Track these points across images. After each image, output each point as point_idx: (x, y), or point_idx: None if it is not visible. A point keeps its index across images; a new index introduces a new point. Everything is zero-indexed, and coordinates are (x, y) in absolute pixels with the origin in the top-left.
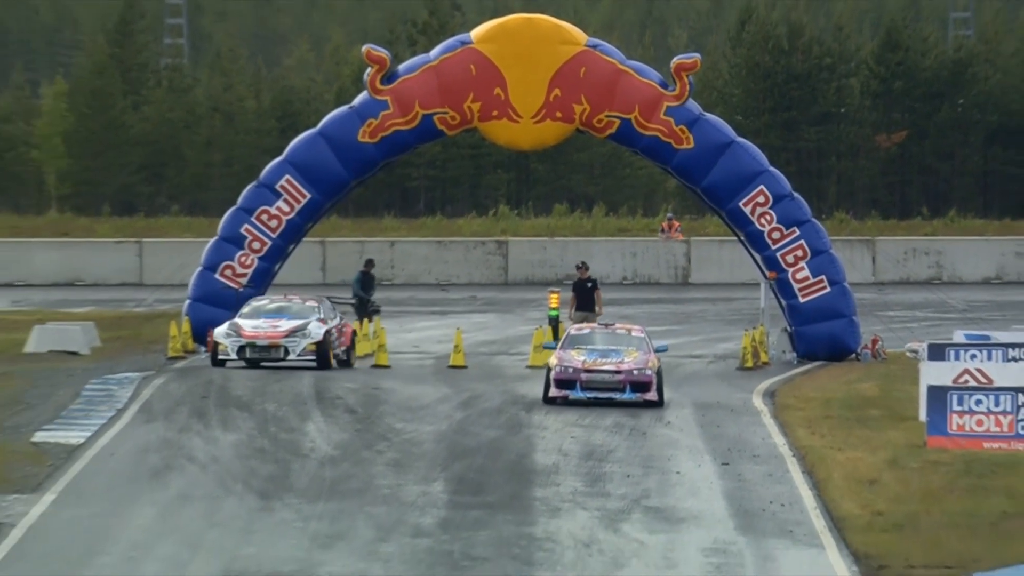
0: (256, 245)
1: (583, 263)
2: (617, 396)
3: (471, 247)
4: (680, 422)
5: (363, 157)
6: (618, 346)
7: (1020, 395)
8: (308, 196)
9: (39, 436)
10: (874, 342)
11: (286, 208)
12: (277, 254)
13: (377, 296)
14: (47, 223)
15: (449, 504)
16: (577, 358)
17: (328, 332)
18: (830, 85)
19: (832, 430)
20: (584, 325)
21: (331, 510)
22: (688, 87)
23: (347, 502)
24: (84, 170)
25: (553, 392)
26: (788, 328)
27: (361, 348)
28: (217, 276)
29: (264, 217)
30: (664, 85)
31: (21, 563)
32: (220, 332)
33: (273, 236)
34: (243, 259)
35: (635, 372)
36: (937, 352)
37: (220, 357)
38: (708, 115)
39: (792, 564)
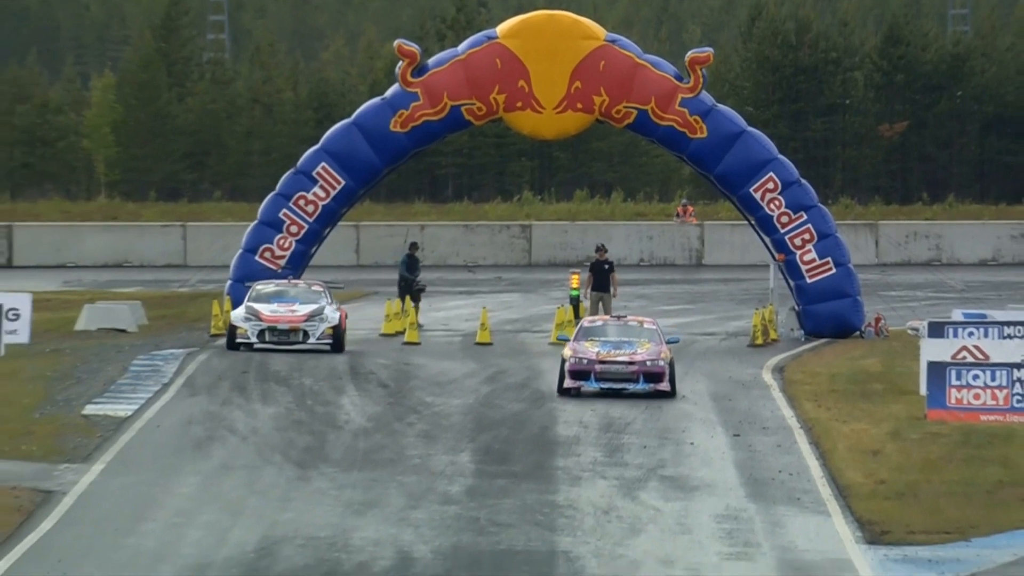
0: (294, 229)
1: (602, 246)
2: (630, 387)
3: (497, 231)
4: (694, 396)
5: (395, 146)
6: (631, 338)
7: (1015, 370)
8: (343, 183)
9: (89, 409)
10: (877, 320)
11: (322, 194)
12: (313, 237)
13: (432, 280)
14: (97, 208)
15: (476, 473)
16: (591, 350)
17: (341, 316)
18: (835, 78)
19: (837, 403)
20: (597, 317)
21: (364, 479)
22: (702, 80)
23: (379, 471)
24: (131, 158)
25: (568, 383)
26: (796, 307)
27: (392, 326)
28: (257, 258)
29: (301, 202)
30: (679, 78)
31: (72, 529)
32: (238, 316)
33: (310, 220)
34: (281, 242)
35: (648, 363)
36: (937, 330)
37: (239, 340)
38: (720, 106)
39: (800, 530)
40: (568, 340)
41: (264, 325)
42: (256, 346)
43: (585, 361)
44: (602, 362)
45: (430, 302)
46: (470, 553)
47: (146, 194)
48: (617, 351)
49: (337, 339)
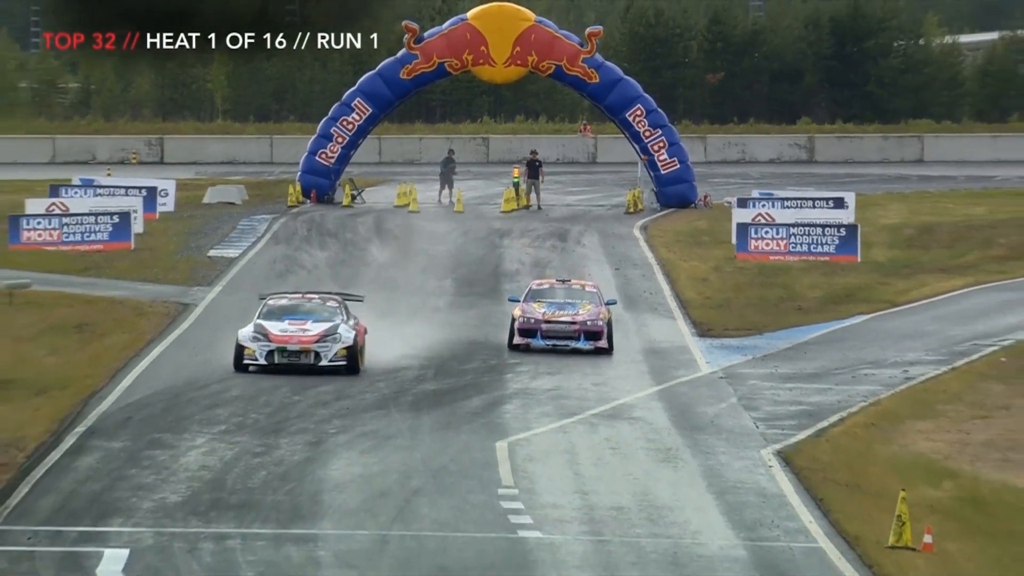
0: (340, 139)
1: (534, 150)
2: (573, 344)
3: (467, 141)
4: (590, 244)
5: (403, 87)
6: (574, 300)
7: (791, 228)
8: (370, 111)
9: (212, 252)
10: (705, 197)
11: (357, 118)
12: (352, 145)
13: (426, 172)
14: (216, 126)
15: (454, 292)
16: (538, 310)
17: (357, 335)
18: (679, 45)
19: (681, 249)
20: (544, 281)
21: (384, 296)
22: (595, 46)
23: (394, 292)
24: (238, 95)
25: (517, 340)
26: (654, 189)
27: (402, 200)
28: (316, 158)
29: (344, 123)
30: (582, 45)
31: (202, 327)
32: (245, 335)
33: (349, 134)
34: (332, 148)
35: (588, 323)
36: (742, 202)
37: (246, 362)
38: (607, 63)
39: (657, 328)
40: (518, 301)
41: (272, 346)
42: (289, 368)
43: (532, 320)
44: (548, 321)
45: (426, 186)
46: (450, 343)
47: (247, 118)
48: (561, 312)
49: (351, 360)
